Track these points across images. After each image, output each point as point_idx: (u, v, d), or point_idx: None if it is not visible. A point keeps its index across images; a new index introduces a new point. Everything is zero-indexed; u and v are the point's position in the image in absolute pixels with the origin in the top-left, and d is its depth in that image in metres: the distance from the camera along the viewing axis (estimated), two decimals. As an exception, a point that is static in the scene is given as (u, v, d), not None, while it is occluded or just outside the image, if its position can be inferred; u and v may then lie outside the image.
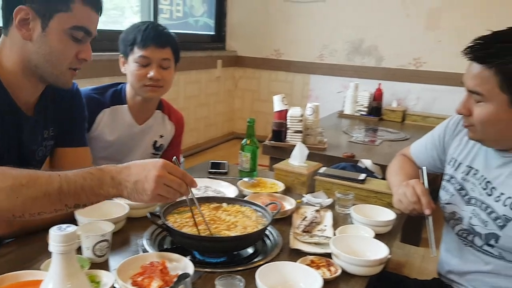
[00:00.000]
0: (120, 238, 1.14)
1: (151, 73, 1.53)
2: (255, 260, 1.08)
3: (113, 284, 0.88)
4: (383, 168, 2.12)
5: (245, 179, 1.59)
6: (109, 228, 1.04)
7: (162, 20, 3.79)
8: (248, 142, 1.67)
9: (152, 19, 3.58)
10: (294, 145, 1.68)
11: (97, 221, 1.08)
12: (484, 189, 1.14)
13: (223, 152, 4.38)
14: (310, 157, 1.67)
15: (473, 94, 1.05)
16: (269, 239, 1.19)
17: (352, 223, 1.30)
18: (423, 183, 1.23)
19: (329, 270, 1.01)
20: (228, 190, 1.51)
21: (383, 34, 3.98)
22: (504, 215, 1.07)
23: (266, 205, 1.24)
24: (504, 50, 0.99)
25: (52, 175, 0.90)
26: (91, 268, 0.96)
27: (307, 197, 1.47)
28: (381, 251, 1.08)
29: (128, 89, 1.63)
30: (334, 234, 1.20)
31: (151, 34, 1.52)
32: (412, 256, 2.50)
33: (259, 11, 4.48)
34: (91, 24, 1.10)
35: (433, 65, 3.83)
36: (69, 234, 0.65)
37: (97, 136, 1.58)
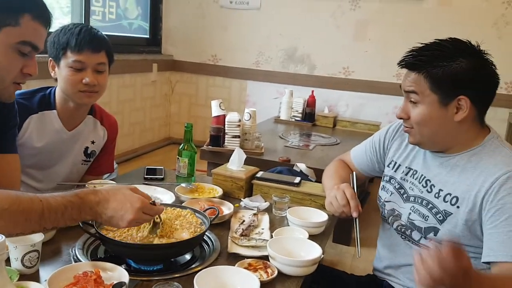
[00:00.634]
0: (50, 248, 1.09)
1: (87, 79, 1.48)
2: (193, 266, 1.09)
3: (44, 296, 0.85)
4: (317, 171, 2.21)
5: (183, 184, 1.58)
6: (39, 238, 1.00)
7: (94, 22, 3.66)
8: (185, 147, 1.67)
9: (83, 21, 3.44)
10: (232, 150, 1.70)
11: (25, 231, 1.03)
12: (424, 186, 1.23)
13: (159, 157, 4.30)
14: (247, 161, 1.70)
15: (410, 94, 1.18)
16: (207, 244, 1.19)
17: (288, 225, 1.35)
18: (353, 188, 1.31)
19: (266, 272, 1.04)
20: (165, 196, 1.49)
21: (315, 43, 4.14)
22: (444, 210, 1.17)
23: (204, 210, 1.25)
24: (432, 57, 1.14)
25: (33, 199, 0.90)
26: (20, 279, 0.92)
27: (245, 201, 1.50)
28: (314, 251, 1.13)
29: (58, 94, 1.56)
30: (271, 237, 1.23)
31: (86, 38, 1.47)
32: (343, 255, 2.61)
33: (195, 16, 4.47)
34: (39, 39, 1.05)
35: (360, 74, 4.05)
36: (-4, 245, 0.62)
37: (24, 143, 1.49)
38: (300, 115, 3.74)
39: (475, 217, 1.11)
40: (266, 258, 1.10)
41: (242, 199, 1.53)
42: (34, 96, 1.54)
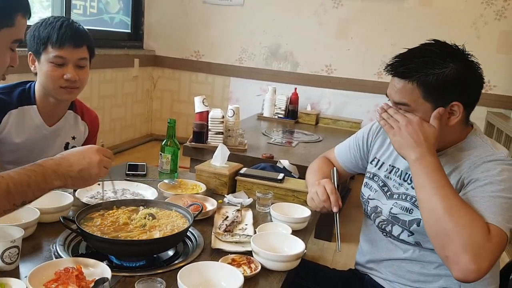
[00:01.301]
0: (30, 244, 1.08)
1: (68, 75, 1.45)
2: (176, 262, 1.08)
3: (24, 293, 0.83)
4: (300, 167, 2.22)
5: (166, 180, 1.58)
6: (19, 233, 0.98)
7: (75, 16, 3.59)
8: (168, 143, 1.66)
9: (64, 15, 3.37)
10: (216, 147, 1.70)
11: (5, 226, 1.02)
12: (409, 184, 1.25)
13: (141, 153, 4.26)
14: (230, 158, 1.70)
15: (400, 105, 1.16)
16: (191, 240, 1.19)
17: (271, 221, 1.36)
18: (334, 183, 1.32)
19: (250, 267, 1.05)
20: (147, 192, 1.49)
21: (298, 41, 4.16)
22: None
23: (188, 206, 1.24)
24: (422, 64, 1.11)
25: None
26: (0, 276, 0.90)
27: (228, 198, 1.50)
28: (297, 246, 1.14)
29: (38, 89, 1.53)
30: (255, 232, 1.24)
31: (68, 33, 1.44)
32: (325, 251, 2.64)
33: (177, 11, 4.43)
34: (24, 33, 1.05)
35: (342, 72, 4.09)
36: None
37: (3, 138, 1.46)
38: (283, 112, 3.75)
39: None
40: (249, 253, 1.11)
41: (225, 195, 1.53)
42: (14, 91, 1.51)
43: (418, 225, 1.19)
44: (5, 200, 0.88)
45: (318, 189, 1.28)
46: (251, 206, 1.47)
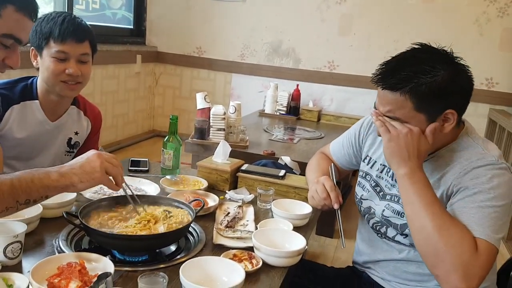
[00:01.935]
0: (33, 239, 1.08)
1: (70, 70, 1.45)
2: (178, 257, 1.09)
3: (27, 287, 0.84)
4: (301, 164, 2.23)
5: (168, 176, 1.58)
6: (21, 228, 0.99)
7: (78, 11, 3.59)
8: (170, 139, 1.66)
9: (66, 10, 3.37)
10: (217, 143, 1.70)
11: (8, 221, 1.02)
12: None
13: (143, 149, 4.27)
14: (232, 154, 1.70)
15: (392, 119, 1.11)
16: (192, 235, 1.20)
17: (273, 217, 1.36)
18: (333, 180, 1.32)
19: (251, 262, 1.05)
20: (150, 188, 1.49)
21: (300, 37, 4.15)
22: None
23: (190, 202, 1.25)
24: (413, 73, 1.05)
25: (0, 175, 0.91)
26: (2, 271, 0.91)
27: (230, 194, 1.51)
28: (298, 242, 1.14)
29: (40, 84, 1.53)
30: (256, 228, 1.24)
31: (70, 28, 1.44)
32: (326, 247, 2.65)
33: (180, 7, 4.42)
34: (22, 31, 1.00)
35: (345, 68, 4.08)
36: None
37: (5, 134, 1.47)
38: (284, 108, 3.75)
39: (449, 209, 1.12)
40: (251, 249, 1.11)
41: (227, 191, 1.54)
42: (16, 86, 1.51)
43: None
44: (10, 196, 0.89)
45: (318, 187, 1.28)
46: (253, 202, 1.47)
